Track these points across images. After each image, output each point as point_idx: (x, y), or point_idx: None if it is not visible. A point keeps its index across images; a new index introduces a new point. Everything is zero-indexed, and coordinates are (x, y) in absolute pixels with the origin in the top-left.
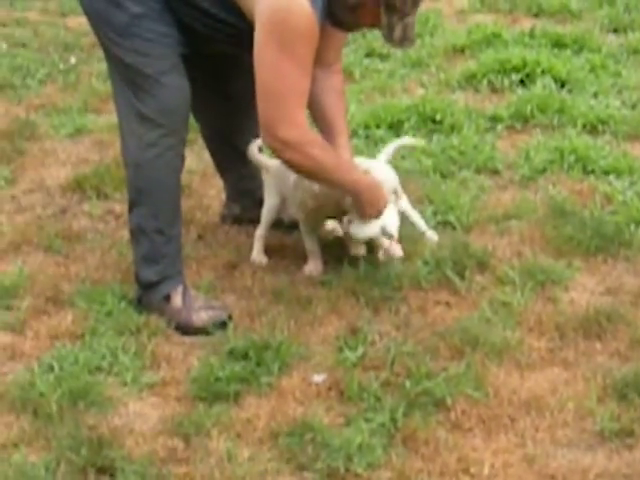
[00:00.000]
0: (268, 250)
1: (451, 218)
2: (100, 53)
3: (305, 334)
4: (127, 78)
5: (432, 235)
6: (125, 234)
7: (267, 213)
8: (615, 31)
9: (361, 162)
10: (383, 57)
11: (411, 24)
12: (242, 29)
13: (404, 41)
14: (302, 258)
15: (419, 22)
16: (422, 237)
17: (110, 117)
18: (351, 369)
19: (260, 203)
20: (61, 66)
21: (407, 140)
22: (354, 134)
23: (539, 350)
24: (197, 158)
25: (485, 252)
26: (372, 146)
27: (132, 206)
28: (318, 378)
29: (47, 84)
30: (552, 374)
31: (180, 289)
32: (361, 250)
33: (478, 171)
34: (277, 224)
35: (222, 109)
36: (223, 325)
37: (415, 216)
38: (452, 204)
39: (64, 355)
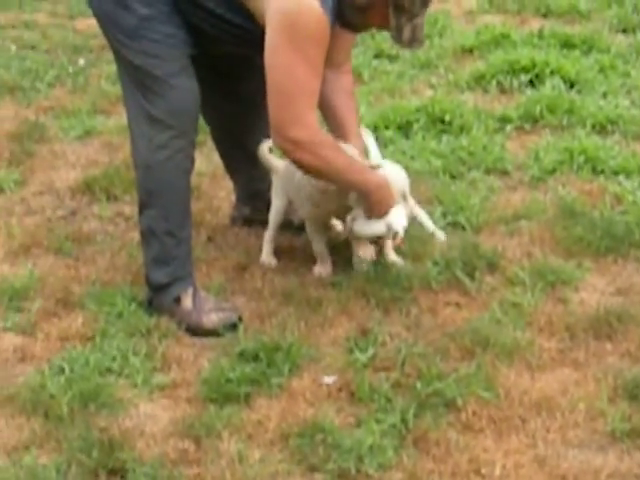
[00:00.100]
0: (278, 252)
1: (461, 219)
2: (109, 55)
3: (315, 335)
4: (136, 80)
5: (440, 235)
6: (135, 236)
7: (274, 215)
8: (624, 31)
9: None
10: (392, 58)
11: (420, 25)
12: (251, 30)
13: (413, 42)
14: (312, 259)
15: (428, 23)
16: (431, 238)
17: (119, 119)
18: (362, 370)
19: (270, 205)
20: (70, 68)
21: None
22: None
23: (549, 351)
24: (207, 160)
25: (495, 253)
26: (381, 147)
27: (142, 208)
28: (328, 379)
29: (56, 86)
30: (563, 375)
31: (190, 291)
32: (368, 253)
33: (488, 172)
34: (287, 226)
35: (232, 110)
36: (233, 327)
37: (423, 216)
38: (462, 205)
39: (75, 357)
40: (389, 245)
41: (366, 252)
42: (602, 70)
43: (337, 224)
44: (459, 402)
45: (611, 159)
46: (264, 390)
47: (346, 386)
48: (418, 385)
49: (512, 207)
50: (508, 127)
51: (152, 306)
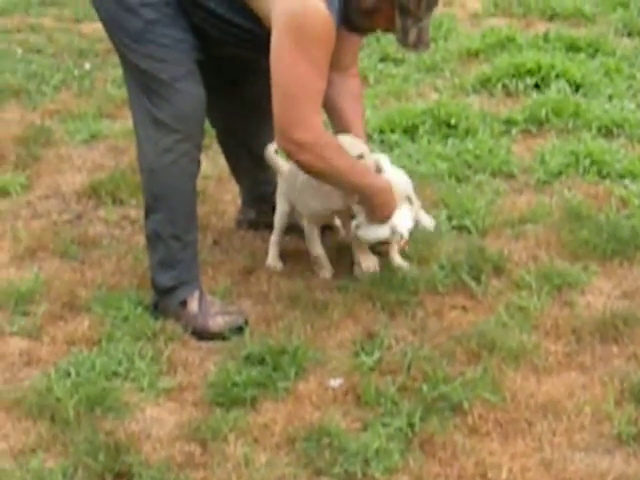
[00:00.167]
0: (284, 255)
1: (467, 222)
2: (114, 59)
3: (321, 339)
4: (142, 84)
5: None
6: (141, 240)
7: (279, 219)
8: (629, 34)
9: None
10: (397, 62)
11: (425, 28)
12: (257, 33)
13: (419, 45)
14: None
15: (433, 26)
16: (437, 241)
17: (125, 123)
18: (368, 373)
19: (275, 208)
20: (76, 72)
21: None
22: (369, 139)
23: (556, 354)
24: (212, 163)
25: (501, 256)
26: (387, 151)
27: (148, 212)
28: (335, 383)
29: (62, 90)
30: (569, 378)
31: (196, 294)
32: (371, 266)
33: (493, 175)
34: (293, 229)
35: (237, 113)
36: (239, 330)
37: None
38: (468, 208)
39: (81, 361)
40: (395, 248)
41: (369, 264)
42: (607, 73)
43: (340, 228)
44: (465, 405)
45: (617, 162)
46: (270, 393)
47: (352, 389)
48: (424, 388)
49: (518, 210)
50: (514, 130)
51: (158, 310)
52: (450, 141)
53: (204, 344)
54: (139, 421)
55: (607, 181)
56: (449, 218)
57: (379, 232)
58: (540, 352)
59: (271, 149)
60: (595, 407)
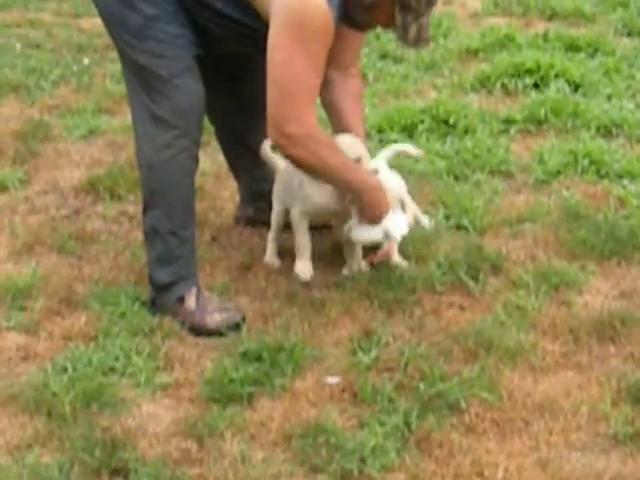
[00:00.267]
0: (281, 252)
1: (465, 221)
2: (113, 54)
3: (319, 336)
4: (141, 79)
5: (426, 221)
6: (139, 236)
7: (275, 217)
8: (629, 34)
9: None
10: (397, 60)
11: (426, 24)
12: (256, 29)
13: (419, 41)
14: (315, 260)
15: (433, 25)
16: (435, 240)
17: (124, 118)
18: (365, 371)
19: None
20: (75, 67)
21: (406, 147)
22: (368, 137)
23: (553, 353)
24: (211, 160)
25: (499, 255)
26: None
27: (146, 208)
28: (332, 380)
29: (61, 85)
30: (566, 377)
31: (194, 291)
32: (362, 266)
33: (492, 174)
34: (290, 226)
35: (236, 110)
36: (237, 327)
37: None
38: (466, 207)
39: (77, 356)
40: (393, 247)
41: (361, 266)
42: (607, 73)
43: (336, 228)
44: (462, 404)
45: (615, 162)
46: (267, 390)
47: (349, 387)
48: (421, 387)
49: (516, 209)
50: (512, 129)
51: (155, 306)
52: (449, 140)
53: (201, 340)
54: (135, 417)
55: (605, 181)
56: (447, 217)
57: (372, 234)
58: (537, 351)
59: (266, 146)
60: (592, 407)
